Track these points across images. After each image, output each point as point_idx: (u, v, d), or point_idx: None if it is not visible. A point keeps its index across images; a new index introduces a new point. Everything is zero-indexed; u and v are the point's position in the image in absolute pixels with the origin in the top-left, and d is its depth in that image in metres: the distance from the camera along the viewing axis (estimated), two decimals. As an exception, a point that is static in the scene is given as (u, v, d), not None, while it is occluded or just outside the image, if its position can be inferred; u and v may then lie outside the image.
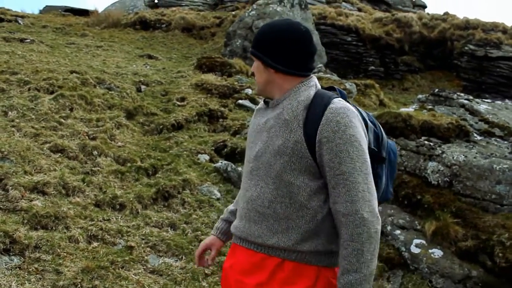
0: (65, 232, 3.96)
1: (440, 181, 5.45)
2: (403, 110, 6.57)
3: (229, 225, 2.11)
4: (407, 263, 4.95)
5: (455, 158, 5.43)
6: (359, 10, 24.62)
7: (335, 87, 1.94)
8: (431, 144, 5.74)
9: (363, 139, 1.75)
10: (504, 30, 17.14)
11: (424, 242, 5.04)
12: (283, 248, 1.78)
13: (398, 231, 5.18)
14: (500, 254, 4.75)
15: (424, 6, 36.78)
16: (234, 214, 2.11)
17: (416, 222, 5.27)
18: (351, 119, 1.73)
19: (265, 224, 1.81)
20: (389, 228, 5.23)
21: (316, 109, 1.75)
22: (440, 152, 5.59)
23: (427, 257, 4.89)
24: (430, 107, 7.06)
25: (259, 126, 1.91)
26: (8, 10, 16.62)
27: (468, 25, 16.96)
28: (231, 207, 2.20)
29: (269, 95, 1.92)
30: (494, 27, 17.18)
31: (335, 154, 1.70)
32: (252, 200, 1.85)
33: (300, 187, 1.76)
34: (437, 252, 4.95)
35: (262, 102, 2.00)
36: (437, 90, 7.41)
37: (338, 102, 1.77)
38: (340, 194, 1.70)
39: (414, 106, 7.31)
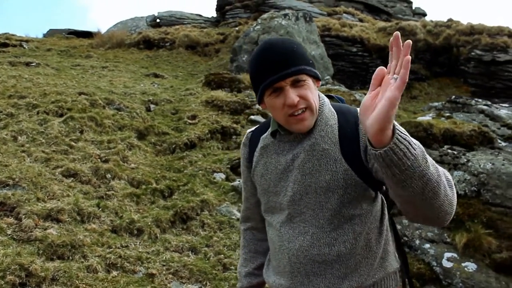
0: (82, 262, 3.76)
1: (467, 191, 5.23)
2: (423, 118, 6.38)
3: None
4: (440, 278, 4.71)
5: (482, 166, 5.22)
6: (361, 20, 24.58)
7: (332, 94, 1.79)
8: (455, 152, 5.54)
9: None
10: (510, 34, 16.98)
11: (456, 255, 4.80)
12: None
13: (427, 245, 4.95)
14: (539, 266, 4.52)
15: (424, 14, 36.78)
16: (255, 275, 1.88)
17: (446, 235, 5.05)
18: None
19: (329, 272, 1.58)
20: (417, 242, 5.00)
21: (347, 128, 1.59)
22: (465, 160, 5.39)
23: (461, 271, 4.66)
24: (448, 114, 6.87)
25: (281, 165, 1.63)
26: (13, 35, 16.67)
27: (473, 31, 16.81)
28: (244, 269, 1.90)
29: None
30: (500, 31, 17.03)
31: None
32: (303, 252, 1.59)
33: (361, 216, 1.59)
34: (470, 266, 4.71)
35: (267, 135, 1.70)
36: (454, 96, 7.23)
37: None
38: None
39: (431, 114, 7.13)
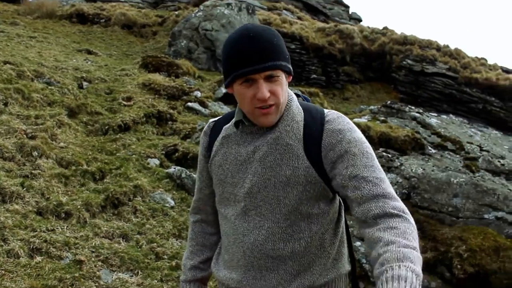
0: (2, 246, 3.45)
1: (398, 193, 5.41)
2: (360, 120, 6.53)
3: (201, 285, 1.83)
4: (368, 275, 4.85)
5: (413, 170, 5.43)
6: (299, 19, 24.92)
7: (299, 93, 1.78)
8: (389, 155, 5.71)
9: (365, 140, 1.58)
10: (438, 48, 17.92)
11: (384, 255, 4.97)
12: (308, 286, 1.58)
13: (358, 243, 5.08)
14: (459, 266, 4.78)
15: (359, 20, 37.98)
16: (200, 269, 1.81)
17: (375, 234, 5.21)
18: (351, 124, 1.59)
19: (282, 268, 1.56)
20: (349, 240, 5.11)
21: (312, 127, 1.56)
22: (398, 164, 5.58)
23: (388, 270, 4.82)
24: (383, 118, 7.08)
25: (241, 156, 1.58)
26: None
27: (406, 41, 17.54)
28: (189, 262, 1.82)
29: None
30: (429, 44, 17.91)
31: (347, 159, 1.47)
32: (258, 246, 1.56)
33: (318, 215, 1.57)
34: (397, 265, 4.89)
35: (230, 126, 1.64)
36: (389, 102, 7.48)
37: (331, 113, 1.61)
38: (364, 193, 1.40)
39: (367, 117, 7.32)
